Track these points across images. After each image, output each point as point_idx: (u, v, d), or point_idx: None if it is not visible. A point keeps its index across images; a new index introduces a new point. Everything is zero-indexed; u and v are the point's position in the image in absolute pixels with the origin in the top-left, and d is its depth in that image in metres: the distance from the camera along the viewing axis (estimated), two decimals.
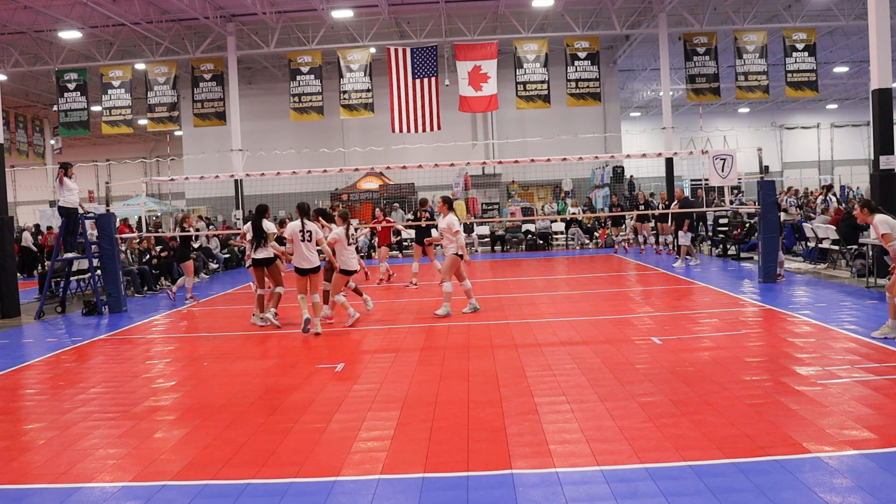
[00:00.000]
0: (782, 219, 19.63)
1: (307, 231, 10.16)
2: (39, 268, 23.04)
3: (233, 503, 4.50)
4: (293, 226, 10.29)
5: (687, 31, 25.57)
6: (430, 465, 4.92)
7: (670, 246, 19.65)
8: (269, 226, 11.27)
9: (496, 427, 5.65)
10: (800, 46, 25.27)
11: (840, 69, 35.02)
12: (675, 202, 18.20)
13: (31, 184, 40.13)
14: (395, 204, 25.69)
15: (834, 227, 15.09)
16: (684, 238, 17.16)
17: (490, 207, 29.48)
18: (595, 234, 25.17)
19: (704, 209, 17.47)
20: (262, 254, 11.11)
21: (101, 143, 42.00)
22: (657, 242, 20.92)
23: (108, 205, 14.29)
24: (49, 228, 25.71)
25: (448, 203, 11.68)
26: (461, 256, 11.16)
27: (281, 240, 11.22)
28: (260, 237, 11.05)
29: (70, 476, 5.06)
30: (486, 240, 25.75)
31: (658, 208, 21.54)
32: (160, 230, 26.07)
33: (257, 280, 11.44)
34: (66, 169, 13.56)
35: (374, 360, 8.38)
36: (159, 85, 25.82)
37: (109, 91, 25.87)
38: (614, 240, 22.70)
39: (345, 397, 6.78)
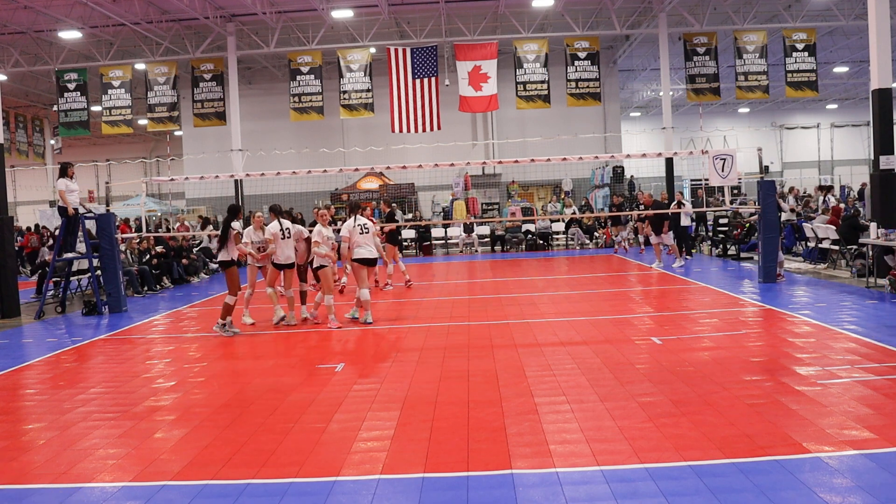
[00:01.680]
0: (783, 217, 19.62)
1: (286, 230, 11.01)
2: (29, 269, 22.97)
3: (233, 503, 4.50)
4: (273, 226, 10.97)
5: (687, 31, 25.56)
6: (431, 465, 4.92)
7: (669, 247, 19.65)
8: (236, 227, 10.99)
9: (496, 427, 5.65)
10: (800, 46, 25.27)
11: (840, 69, 35.01)
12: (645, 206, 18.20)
13: (31, 184, 40.10)
14: (395, 204, 25.66)
15: (834, 228, 15.09)
16: (668, 238, 17.19)
17: (490, 207, 29.47)
18: (595, 233, 25.17)
19: (675, 210, 17.46)
20: (222, 256, 10.62)
21: (101, 143, 42.00)
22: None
23: (108, 205, 14.28)
24: (29, 229, 25.63)
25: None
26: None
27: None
28: (224, 239, 10.54)
29: (70, 476, 5.06)
30: (486, 240, 25.75)
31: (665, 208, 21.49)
32: (163, 229, 26.06)
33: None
34: (66, 168, 13.63)
35: (374, 361, 8.38)
36: (159, 85, 25.81)
37: (109, 91, 25.85)
38: (614, 239, 22.69)
39: (345, 397, 6.78)
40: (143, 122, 30.91)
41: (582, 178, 30.23)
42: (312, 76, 25.35)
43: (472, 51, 24.47)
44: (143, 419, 6.38)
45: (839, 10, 25.28)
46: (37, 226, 26.11)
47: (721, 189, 24.20)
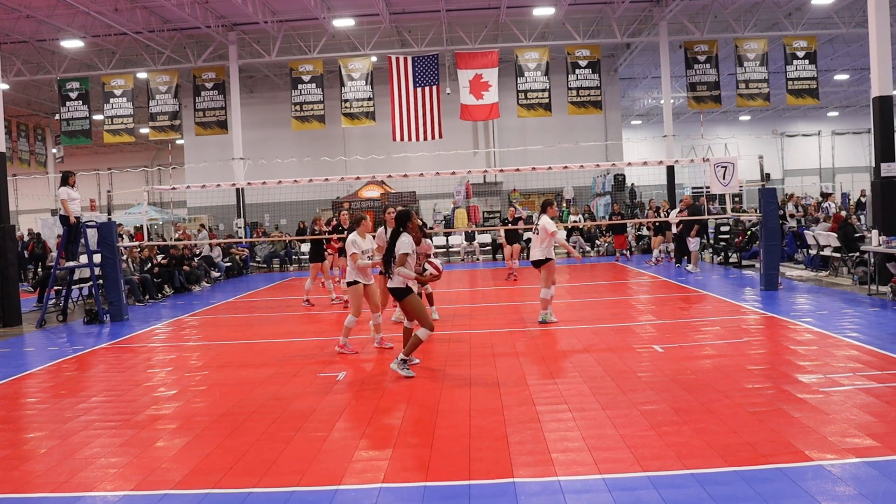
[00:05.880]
0: (789, 225, 19.63)
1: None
2: (32, 277, 22.95)
3: None
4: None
5: (688, 39, 25.65)
6: (432, 474, 4.91)
7: (671, 254, 19.61)
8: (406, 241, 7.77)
9: (498, 435, 5.64)
10: (800, 54, 25.35)
11: (841, 77, 35.09)
12: (682, 210, 18.06)
13: (32, 192, 40.19)
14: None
15: (835, 235, 15.07)
16: (694, 244, 17.14)
17: (491, 216, 29.50)
18: (597, 241, 25.10)
19: (709, 216, 17.38)
20: (397, 282, 7.78)
21: (103, 152, 42.08)
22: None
23: (109, 213, 14.30)
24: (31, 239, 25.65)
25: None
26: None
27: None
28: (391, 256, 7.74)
29: (71, 485, 5.05)
30: (488, 248, 25.75)
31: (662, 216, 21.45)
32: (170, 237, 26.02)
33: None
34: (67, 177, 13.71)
35: (376, 369, 8.37)
36: (161, 94, 25.91)
37: (111, 100, 25.96)
38: (659, 248, 21.32)
39: (346, 406, 6.77)
40: (144, 130, 31.00)
41: (583, 187, 30.27)
42: (314, 85, 25.43)
43: (473, 59, 24.56)
44: (144, 428, 6.37)
45: (839, 17, 25.37)
46: (38, 235, 26.13)
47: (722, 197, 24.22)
